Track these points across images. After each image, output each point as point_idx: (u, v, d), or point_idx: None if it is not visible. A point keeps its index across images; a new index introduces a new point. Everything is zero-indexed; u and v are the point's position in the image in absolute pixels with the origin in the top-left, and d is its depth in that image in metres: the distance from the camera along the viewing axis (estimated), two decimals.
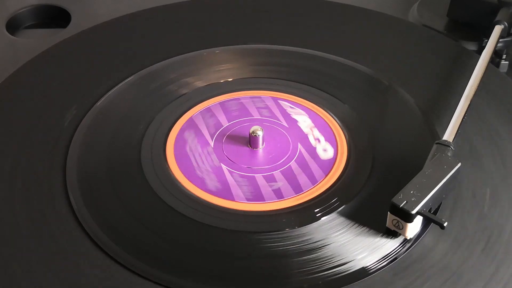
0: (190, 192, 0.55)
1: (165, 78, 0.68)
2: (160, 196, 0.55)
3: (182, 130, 0.61)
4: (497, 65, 0.72)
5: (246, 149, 0.60)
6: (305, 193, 0.55)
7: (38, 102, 0.64)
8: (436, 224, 0.49)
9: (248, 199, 0.55)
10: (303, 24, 0.76)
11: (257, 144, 0.60)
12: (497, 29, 0.69)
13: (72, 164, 0.57)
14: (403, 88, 0.66)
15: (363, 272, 0.49)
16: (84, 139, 0.60)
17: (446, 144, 0.54)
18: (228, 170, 0.57)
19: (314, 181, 0.56)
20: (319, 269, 0.49)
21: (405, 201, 0.49)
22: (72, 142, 0.60)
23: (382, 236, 0.51)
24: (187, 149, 0.60)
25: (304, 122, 0.62)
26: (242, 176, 0.57)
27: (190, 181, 0.56)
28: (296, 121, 0.63)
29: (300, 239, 0.51)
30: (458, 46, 0.73)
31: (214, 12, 0.78)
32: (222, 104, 0.65)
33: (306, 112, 0.64)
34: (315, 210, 0.54)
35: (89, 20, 0.79)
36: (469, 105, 0.59)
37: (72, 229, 0.52)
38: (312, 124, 0.62)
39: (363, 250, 0.50)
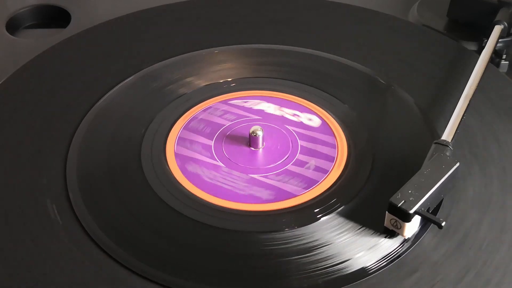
0: (190, 192, 0.55)
1: (165, 78, 0.68)
2: (160, 196, 0.55)
3: (182, 130, 0.62)
4: (497, 65, 0.72)
5: (246, 149, 0.60)
6: (304, 193, 0.55)
7: (38, 102, 0.64)
8: (434, 223, 0.49)
9: (248, 199, 0.55)
10: (302, 24, 0.76)
11: (257, 144, 0.60)
12: (497, 29, 0.69)
13: (72, 164, 0.57)
14: (403, 88, 0.66)
15: (363, 272, 0.49)
16: (84, 139, 0.60)
17: (444, 144, 0.54)
18: (228, 170, 0.58)
19: (314, 181, 0.56)
20: (319, 269, 0.49)
21: (403, 201, 0.49)
22: (72, 142, 0.60)
23: (382, 236, 0.51)
24: (187, 149, 0.60)
25: (304, 122, 0.62)
26: (241, 176, 0.57)
27: (190, 181, 0.56)
28: (296, 121, 0.63)
29: (300, 239, 0.51)
30: (458, 46, 0.73)
31: (213, 12, 0.78)
32: (222, 104, 0.65)
33: (306, 112, 0.64)
34: (315, 210, 0.54)
35: (89, 20, 0.79)
36: (468, 104, 0.59)
37: (72, 229, 0.52)
38: (312, 124, 0.62)
39: (363, 250, 0.50)
